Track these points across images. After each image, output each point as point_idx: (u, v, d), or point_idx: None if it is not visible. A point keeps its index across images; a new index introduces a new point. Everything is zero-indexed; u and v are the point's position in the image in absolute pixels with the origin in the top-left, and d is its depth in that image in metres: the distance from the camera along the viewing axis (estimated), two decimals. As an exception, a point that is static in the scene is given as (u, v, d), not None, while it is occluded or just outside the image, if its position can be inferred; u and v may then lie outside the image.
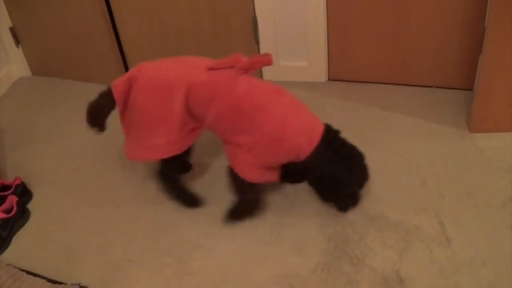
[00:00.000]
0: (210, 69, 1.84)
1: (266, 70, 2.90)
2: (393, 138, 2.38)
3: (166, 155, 1.93)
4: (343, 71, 2.86)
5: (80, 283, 1.85)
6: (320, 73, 2.86)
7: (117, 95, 1.88)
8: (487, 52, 2.16)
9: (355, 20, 2.65)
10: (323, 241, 1.96)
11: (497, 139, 2.29)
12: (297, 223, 2.05)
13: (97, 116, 1.91)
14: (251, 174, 1.91)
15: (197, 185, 2.28)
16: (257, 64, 1.91)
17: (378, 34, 2.64)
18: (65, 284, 1.85)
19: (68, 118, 2.90)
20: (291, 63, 2.87)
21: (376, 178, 2.13)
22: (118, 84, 1.88)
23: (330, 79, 2.90)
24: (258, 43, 2.81)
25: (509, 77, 2.16)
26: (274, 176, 1.96)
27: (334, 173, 1.85)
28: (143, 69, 1.89)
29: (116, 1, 2.83)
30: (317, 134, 1.83)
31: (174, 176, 2.14)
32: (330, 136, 1.85)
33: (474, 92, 2.32)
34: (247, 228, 2.07)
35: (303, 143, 1.82)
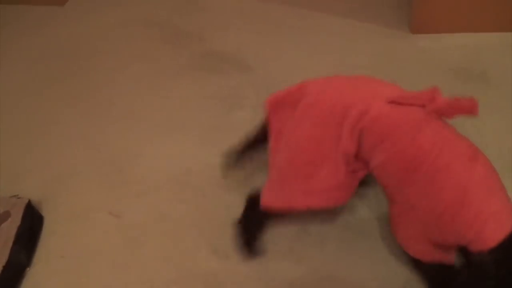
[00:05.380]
0: (393, 102, 1.33)
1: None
2: (333, 40, 2.29)
3: (329, 203, 1.46)
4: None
5: (17, 195, 1.78)
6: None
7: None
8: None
9: None
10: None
11: (438, 40, 2.24)
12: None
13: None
14: (414, 247, 1.43)
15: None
16: (458, 111, 1.30)
17: None
18: (1, 197, 1.79)
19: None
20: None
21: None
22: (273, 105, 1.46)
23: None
24: None
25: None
26: (447, 258, 1.39)
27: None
28: (308, 89, 1.42)
29: None
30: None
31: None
32: None
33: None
34: (187, 131, 2.03)
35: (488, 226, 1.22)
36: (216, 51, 2.33)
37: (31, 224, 1.72)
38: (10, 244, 1.61)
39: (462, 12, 2.20)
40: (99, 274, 1.62)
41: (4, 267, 1.56)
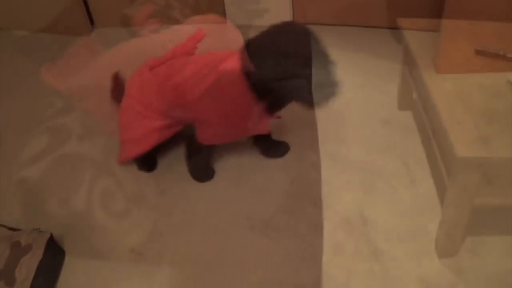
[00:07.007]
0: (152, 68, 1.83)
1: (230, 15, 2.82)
2: (356, 79, 2.29)
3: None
4: (308, 14, 2.77)
5: (39, 228, 1.76)
6: (284, 16, 2.77)
7: None
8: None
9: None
10: (286, 183, 1.87)
11: (463, 80, 2.19)
12: (259, 165, 1.98)
13: None
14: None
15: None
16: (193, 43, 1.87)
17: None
18: (24, 230, 1.76)
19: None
20: (254, 7, 2.77)
21: (339, 119, 2.09)
22: None
23: (295, 22, 2.77)
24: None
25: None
26: None
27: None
28: None
29: None
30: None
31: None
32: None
33: (440, 34, 2.21)
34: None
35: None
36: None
37: (53, 259, 1.71)
38: (31, 278, 1.60)
39: (486, 52, 2.18)
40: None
41: (24, 302, 1.56)
